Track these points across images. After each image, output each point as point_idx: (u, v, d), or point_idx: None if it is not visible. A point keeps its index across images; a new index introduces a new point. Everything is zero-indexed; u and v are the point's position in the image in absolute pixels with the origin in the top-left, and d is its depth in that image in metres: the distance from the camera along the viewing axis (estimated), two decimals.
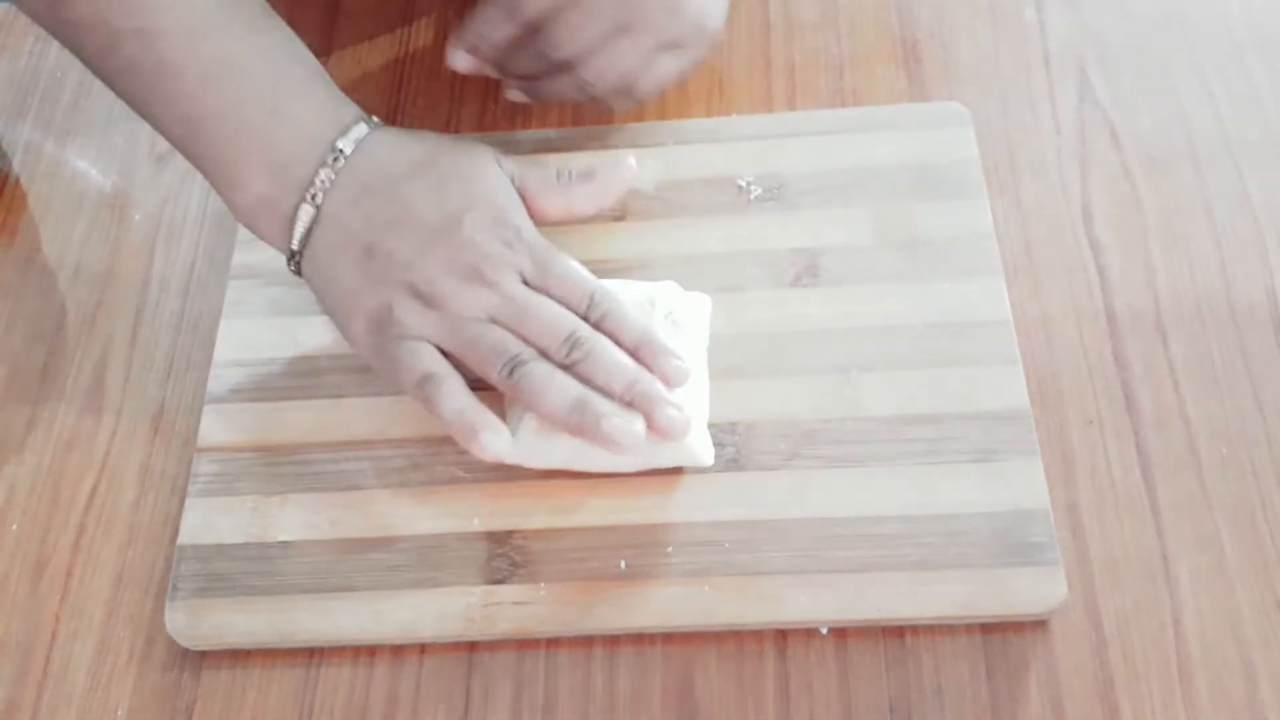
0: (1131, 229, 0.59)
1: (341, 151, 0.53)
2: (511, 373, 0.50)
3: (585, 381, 0.50)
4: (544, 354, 0.51)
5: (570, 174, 0.56)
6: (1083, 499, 0.52)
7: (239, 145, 0.53)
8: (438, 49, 0.70)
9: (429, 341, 0.51)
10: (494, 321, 0.51)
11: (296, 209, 0.53)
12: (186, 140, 0.54)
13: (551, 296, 0.52)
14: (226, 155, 0.53)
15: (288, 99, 0.53)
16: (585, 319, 0.52)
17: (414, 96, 0.68)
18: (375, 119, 0.55)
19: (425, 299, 0.51)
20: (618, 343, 0.52)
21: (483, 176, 0.54)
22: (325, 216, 0.53)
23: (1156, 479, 0.53)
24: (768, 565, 0.50)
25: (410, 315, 0.51)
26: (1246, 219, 0.59)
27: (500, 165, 0.55)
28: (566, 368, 0.51)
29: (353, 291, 0.52)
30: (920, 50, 0.67)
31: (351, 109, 0.55)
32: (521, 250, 0.52)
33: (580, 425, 0.49)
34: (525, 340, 0.51)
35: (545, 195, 0.55)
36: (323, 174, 0.53)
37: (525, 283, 0.52)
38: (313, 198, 0.53)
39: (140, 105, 0.54)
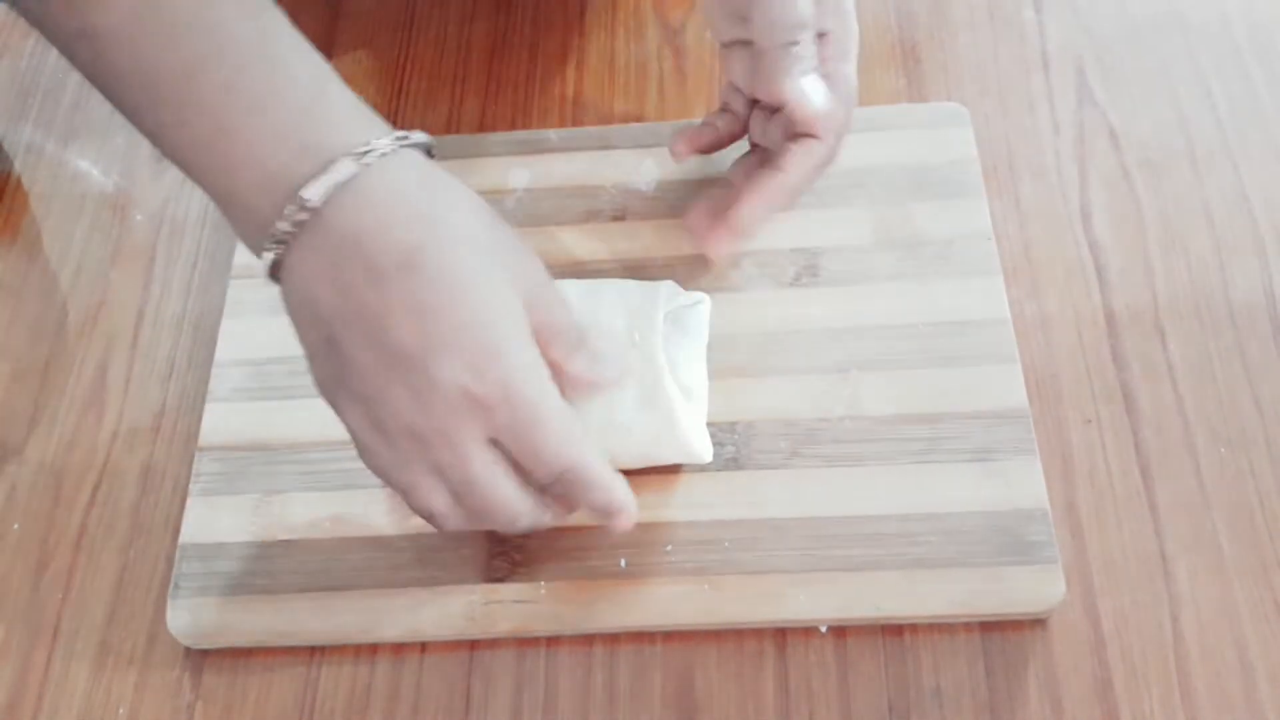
0: (1130, 229, 0.60)
1: (305, 202, 0.42)
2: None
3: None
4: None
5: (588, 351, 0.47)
6: (1081, 498, 0.53)
7: (194, 167, 0.44)
8: (438, 49, 0.70)
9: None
10: (436, 471, 0.44)
11: (260, 250, 0.44)
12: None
13: (516, 464, 0.45)
14: (191, 174, 0.45)
15: (239, 117, 0.42)
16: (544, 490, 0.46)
17: (414, 97, 0.68)
18: (392, 138, 0.43)
19: (380, 431, 0.44)
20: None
21: (478, 296, 0.43)
22: (290, 268, 0.43)
23: (1155, 478, 0.53)
24: (767, 564, 0.50)
25: (366, 439, 0.45)
26: (1244, 219, 0.59)
27: (510, 286, 0.44)
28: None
29: (315, 371, 0.46)
30: (919, 51, 0.67)
31: (337, 135, 0.43)
32: (495, 407, 0.43)
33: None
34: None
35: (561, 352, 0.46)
36: (280, 225, 0.42)
37: (496, 439, 0.44)
38: (275, 243, 0.43)
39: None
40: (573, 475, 0.45)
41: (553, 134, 0.64)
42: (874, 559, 0.50)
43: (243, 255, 0.61)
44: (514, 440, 0.44)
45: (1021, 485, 0.51)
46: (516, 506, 0.45)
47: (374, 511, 0.53)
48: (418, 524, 0.49)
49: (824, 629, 0.50)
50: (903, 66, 0.66)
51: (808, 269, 0.58)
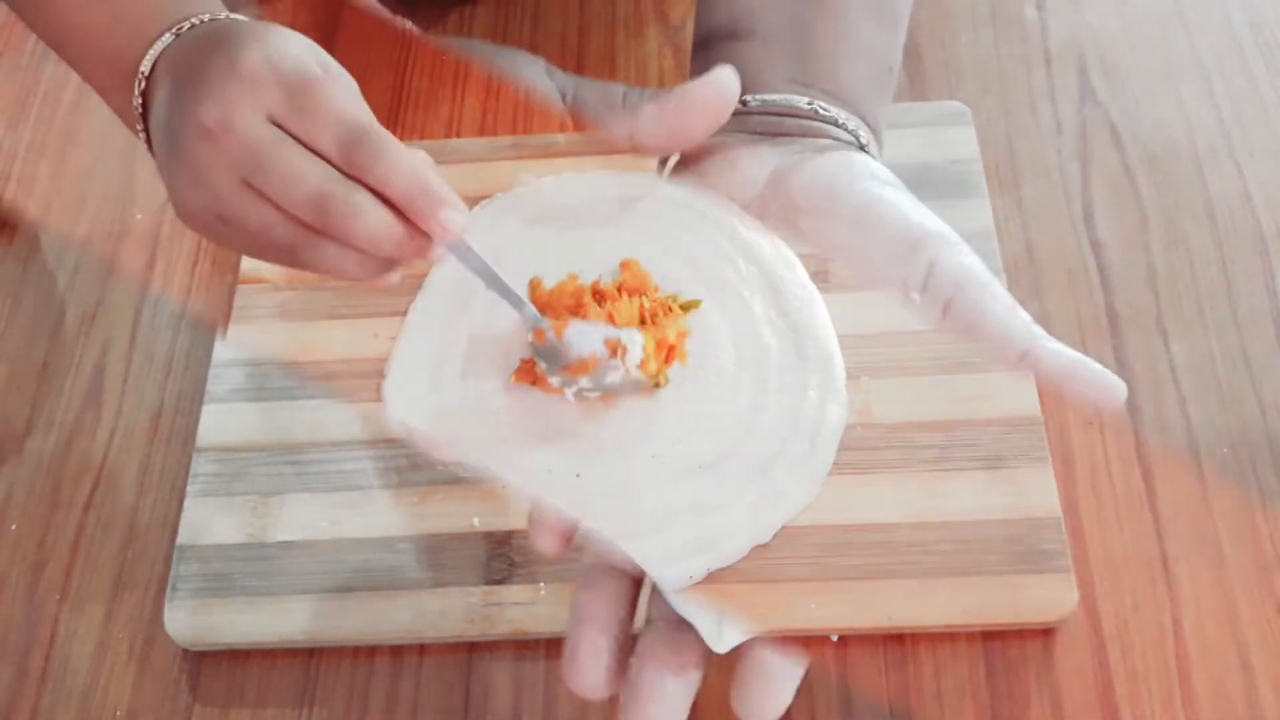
0: (1132, 228, 0.59)
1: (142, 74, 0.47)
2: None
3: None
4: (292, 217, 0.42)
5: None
6: (1083, 501, 0.52)
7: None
8: (438, 49, 0.70)
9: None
10: (247, 185, 0.42)
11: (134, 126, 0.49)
12: None
13: (301, 140, 0.41)
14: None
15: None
16: (343, 169, 0.42)
17: (415, 96, 0.68)
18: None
19: (196, 187, 0.43)
20: (386, 199, 0.42)
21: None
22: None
23: (1157, 480, 0.53)
24: (776, 572, 0.50)
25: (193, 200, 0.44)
26: (1247, 218, 0.59)
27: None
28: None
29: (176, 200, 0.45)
30: (921, 50, 0.66)
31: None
32: (263, 82, 0.41)
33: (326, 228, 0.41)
34: (269, 201, 0.42)
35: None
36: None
37: (276, 122, 0.42)
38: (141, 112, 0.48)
39: None
40: (364, 139, 0.41)
41: (561, 139, 0.64)
42: (885, 567, 0.49)
43: (250, 261, 0.61)
44: (293, 111, 0.41)
45: (1033, 493, 0.50)
46: (311, 176, 0.41)
47: (372, 512, 0.53)
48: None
49: (835, 637, 0.50)
50: (904, 65, 0.66)
51: (817, 274, 0.57)
